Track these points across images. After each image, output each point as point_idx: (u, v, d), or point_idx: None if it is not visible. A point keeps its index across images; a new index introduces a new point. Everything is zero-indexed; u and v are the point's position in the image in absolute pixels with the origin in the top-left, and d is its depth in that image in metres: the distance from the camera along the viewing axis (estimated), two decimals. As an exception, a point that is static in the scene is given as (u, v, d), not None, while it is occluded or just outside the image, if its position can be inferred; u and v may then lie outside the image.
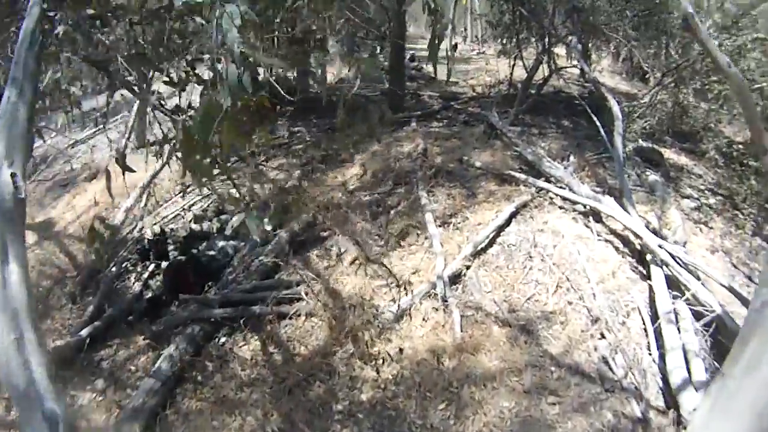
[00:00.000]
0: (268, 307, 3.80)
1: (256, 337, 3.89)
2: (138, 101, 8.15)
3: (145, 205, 6.27)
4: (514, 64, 7.97)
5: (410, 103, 8.95)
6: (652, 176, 5.72)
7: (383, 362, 3.51)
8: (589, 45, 8.22)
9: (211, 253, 4.92)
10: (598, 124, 5.89)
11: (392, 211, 5.06)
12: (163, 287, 4.85)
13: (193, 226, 5.19)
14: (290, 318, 3.91)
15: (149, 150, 8.19)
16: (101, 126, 9.16)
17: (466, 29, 18.72)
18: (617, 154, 4.99)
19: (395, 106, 8.41)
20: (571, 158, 5.81)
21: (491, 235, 4.45)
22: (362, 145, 6.56)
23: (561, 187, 4.95)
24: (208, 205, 5.85)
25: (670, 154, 6.72)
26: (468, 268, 4.18)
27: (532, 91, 7.76)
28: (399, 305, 3.62)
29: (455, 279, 4.06)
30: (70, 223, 6.67)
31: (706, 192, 5.88)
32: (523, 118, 7.52)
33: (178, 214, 5.89)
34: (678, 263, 3.96)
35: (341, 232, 4.75)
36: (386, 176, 5.67)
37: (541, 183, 5.01)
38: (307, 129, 7.38)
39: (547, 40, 7.05)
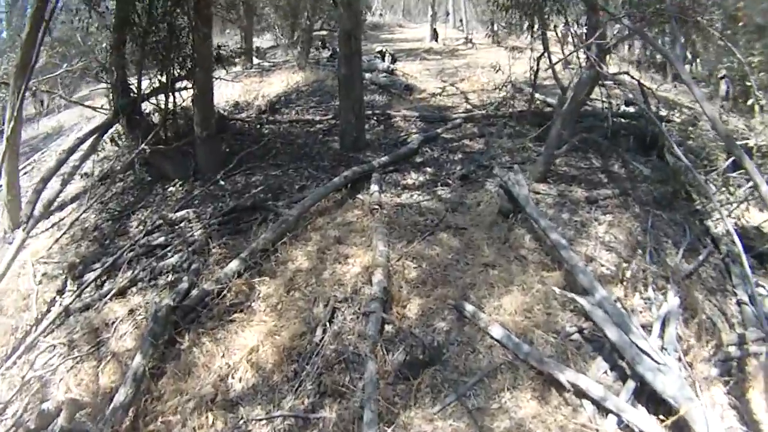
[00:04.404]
0: None
1: None
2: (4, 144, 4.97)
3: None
4: (536, 70, 4.91)
5: (376, 130, 5.90)
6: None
7: None
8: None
9: None
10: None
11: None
12: None
13: None
14: None
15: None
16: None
17: (449, 13, 15.19)
18: None
19: (349, 142, 5.42)
20: (671, 297, 2.97)
21: None
22: (280, 250, 3.68)
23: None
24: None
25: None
26: None
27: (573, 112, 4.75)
28: None
29: None
30: None
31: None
32: (556, 166, 4.57)
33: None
34: None
35: None
36: (305, 365, 2.81)
37: (622, 403, 2.22)
38: (203, 208, 4.44)
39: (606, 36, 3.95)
